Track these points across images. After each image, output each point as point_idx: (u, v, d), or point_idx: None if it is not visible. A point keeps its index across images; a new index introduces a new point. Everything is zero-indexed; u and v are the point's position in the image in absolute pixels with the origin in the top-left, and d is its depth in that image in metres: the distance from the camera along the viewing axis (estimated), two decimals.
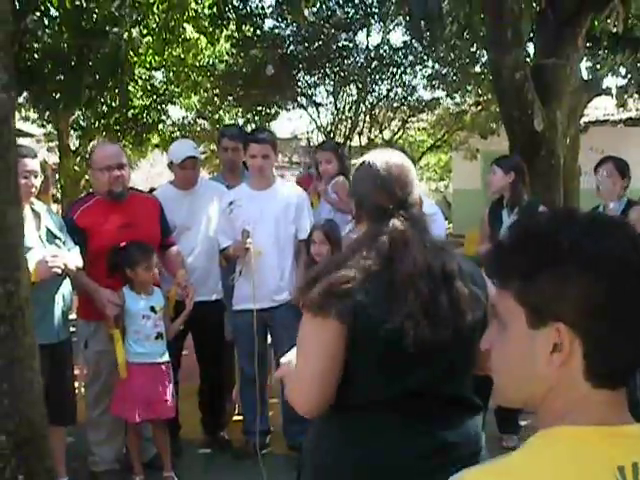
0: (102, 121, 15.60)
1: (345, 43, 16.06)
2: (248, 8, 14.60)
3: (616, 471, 1.13)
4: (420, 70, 16.85)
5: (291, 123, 29.74)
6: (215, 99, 17.84)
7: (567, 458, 1.14)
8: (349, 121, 17.94)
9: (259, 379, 5.12)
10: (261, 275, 5.05)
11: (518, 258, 1.23)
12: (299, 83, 17.01)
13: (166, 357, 4.83)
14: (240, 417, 5.70)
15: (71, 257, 4.43)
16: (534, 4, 8.11)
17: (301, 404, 2.24)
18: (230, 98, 17.35)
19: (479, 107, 17.37)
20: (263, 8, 15.05)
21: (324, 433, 2.32)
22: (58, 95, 11.98)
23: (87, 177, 15.59)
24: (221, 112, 18.83)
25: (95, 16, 11.39)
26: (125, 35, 11.13)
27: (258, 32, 15.29)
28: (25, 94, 12.78)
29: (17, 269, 3.02)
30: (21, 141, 3.65)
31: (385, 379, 2.19)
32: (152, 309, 4.77)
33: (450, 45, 12.83)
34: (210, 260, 5.50)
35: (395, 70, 16.65)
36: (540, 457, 1.16)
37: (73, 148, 16.68)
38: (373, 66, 16.26)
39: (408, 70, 16.73)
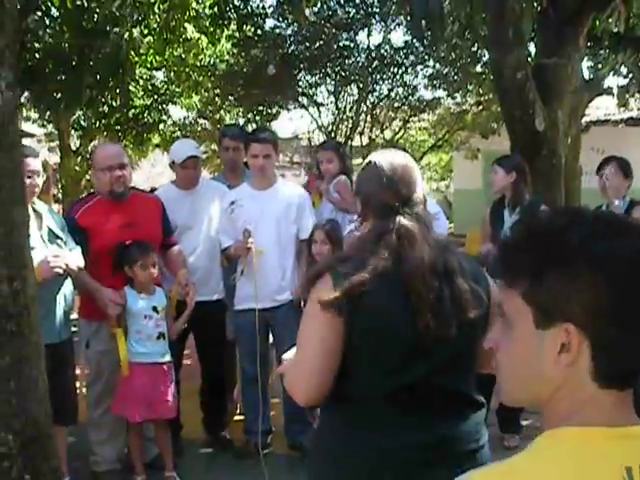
0: (103, 121, 15.60)
1: (346, 43, 16.05)
2: (249, 8, 14.60)
3: (624, 472, 1.12)
4: (421, 70, 16.84)
5: (292, 123, 29.70)
6: (216, 99, 17.82)
7: (574, 459, 1.13)
8: (350, 121, 17.91)
9: (261, 379, 5.11)
10: (263, 275, 5.04)
11: (526, 257, 1.21)
12: (300, 83, 17.00)
13: (168, 357, 4.83)
14: (241, 417, 5.70)
15: (72, 257, 4.43)
16: (535, 3, 8.09)
17: (299, 394, 2.30)
18: (231, 98, 17.34)
19: (480, 107, 17.36)
20: (264, 8, 15.06)
21: (326, 426, 2.40)
22: (59, 95, 11.98)
23: (88, 177, 15.60)
24: (222, 112, 18.81)
25: (96, 16, 11.40)
26: (126, 35, 11.14)
27: (259, 32, 15.28)
28: (26, 94, 12.78)
29: (23, 267, 3.02)
30: (22, 141, 3.64)
31: (386, 373, 2.23)
32: (154, 309, 4.77)
33: (451, 45, 12.82)
34: (212, 260, 5.49)
35: (396, 70, 16.63)
36: (546, 458, 1.15)
37: (74, 148, 16.67)
38: (374, 66, 16.24)
39: (409, 70, 16.71)
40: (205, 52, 15.16)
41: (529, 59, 8.15)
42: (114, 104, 14.85)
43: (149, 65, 15.13)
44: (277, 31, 15.64)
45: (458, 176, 23.90)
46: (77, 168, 16.19)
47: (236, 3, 14.16)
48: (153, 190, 6.32)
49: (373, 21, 15.93)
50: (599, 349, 1.16)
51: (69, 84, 11.54)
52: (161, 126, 17.30)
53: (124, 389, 4.73)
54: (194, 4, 13.31)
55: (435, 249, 2.27)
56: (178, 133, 18.18)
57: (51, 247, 4.37)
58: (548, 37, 7.77)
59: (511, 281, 1.24)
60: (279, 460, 5.25)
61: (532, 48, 9.24)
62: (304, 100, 17.79)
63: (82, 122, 16.26)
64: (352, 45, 16.15)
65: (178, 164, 5.42)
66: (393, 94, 17.32)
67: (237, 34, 15.05)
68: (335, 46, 15.76)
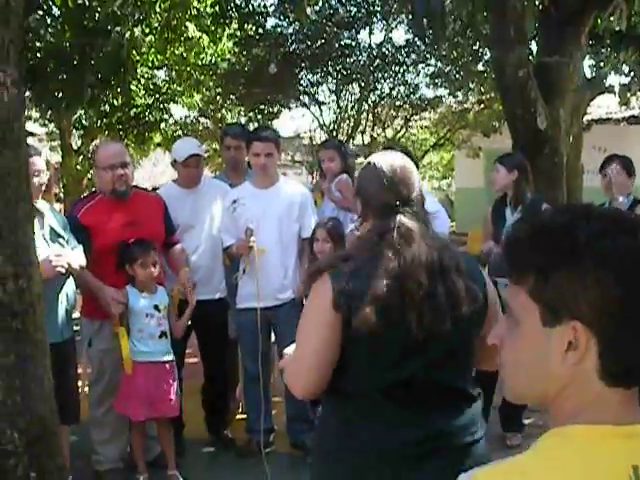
0: (104, 120, 15.60)
1: (348, 41, 16.05)
2: (250, 7, 14.60)
3: (630, 470, 1.11)
4: (423, 68, 16.85)
5: (294, 122, 29.75)
6: (217, 98, 17.83)
7: (580, 457, 1.13)
8: (352, 119, 17.92)
9: (262, 377, 5.11)
10: (265, 273, 5.04)
11: (533, 254, 1.20)
12: (302, 81, 16.99)
13: (170, 356, 4.83)
14: (244, 415, 5.70)
15: (75, 256, 4.43)
16: (537, 2, 8.10)
17: (298, 388, 2.40)
18: (232, 97, 17.33)
19: (482, 105, 17.35)
20: (265, 6, 15.06)
21: (327, 418, 2.49)
22: (60, 94, 11.96)
23: (89, 176, 15.62)
24: (223, 111, 18.81)
25: (97, 15, 11.38)
26: (127, 34, 11.10)
27: (260, 31, 15.29)
28: (27, 93, 12.78)
29: (29, 265, 3.01)
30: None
31: (382, 369, 2.31)
32: (156, 308, 4.77)
33: (453, 43, 12.82)
34: (214, 258, 5.49)
35: (398, 68, 16.63)
36: (552, 456, 1.15)
37: (75, 147, 16.68)
38: (376, 64, 16.24)
39: (411, 68, 16.72)
40: (206, 51, 15.13)
41: (531, 57, 8.14)
42: (115, 103, 14.85)
43: (150, 64, 15.12)
44: (278, 30, 15.64)
45: (460, 175, 23.90)
46: (78, 167, 16.19)
47: (237, 2, 14.17)
48: (155, 189, 6.32)
49: (375, 20, 15.95)
50: (606, 347, 1.15)
51: (70, 83, 11.53)
52: (162, 125, 17.29)
53: (126, 388, 4.73)
54: (195, 3, 13.29)
55: (432, 247, 2.33)
56: (179, 132, 18.17)
57: (53, 246, 4.37)
58: (550, 35, 7.77)
59: (517, 278, 1.23)
60: (281, 459, 5.26)
61: (534, 46, 9.23)
62: (305, 99, 17.79)
63: (83, 121, 16.25)
64: (354, 44, 16.16)
65: (180, 162, 5.42)
66: (395, 93, 17.32)
67: (238, 33, 15.05)
68: (336, 45, 15.76)
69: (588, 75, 12.83)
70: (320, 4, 14.97)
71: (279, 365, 2.66)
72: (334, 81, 17.12)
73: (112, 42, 10.75)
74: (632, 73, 12.35)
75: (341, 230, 5.03)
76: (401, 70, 16.70)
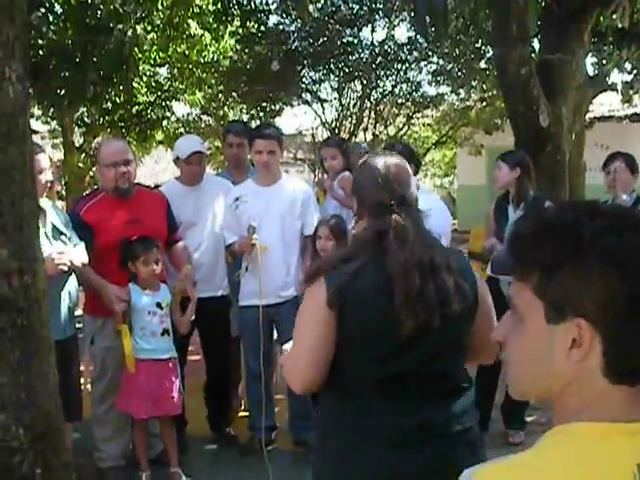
0: (106, 117, 15.57)
1: (350, 39, 16.03)
2: (252, 4, 14.56)
3: (635, 468, 1.11)
4: (425, 66, 16.82)
5: (296, 119, 29.60)
6: (220, 95, 17.80)
7: (584, 455, 1.13)
8: (354, 117, 17.90)
9: (264, 375, 5.11)
10: (267, 271, 5.05)
11: (537, 250, 1.20)
12: (304, 79, 16.98)
13: (172, 353, 4.83)
14: (246, 413, 5.70)
15: (77, 253, 4.43)
16: None
17: (296, 384, 2.50)
18: (235, 94, 17.32)
19: (484, 103, 17.33)
20: (268, 4, 15.02)
21: (324, 411, 2.62)
22: (62, 91, 11.95)
23: (91, 174, 15.60)
24: (226, 108, 18.79)
25: (100, 12, 11.36)
26: (130, 31, 11.09)
27: (262, 28, 15.26)
28: (29, 90, 12.74)
29: (34, 261, 3.01)
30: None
31: (376, 363, 2.40)
32: (158, 305, 4.77)
33: (455, 41, 12.84)
34: (216, 256, 5.49)
35: (400, 66, 16.61)
36: (556, 453, 1.15)
37: (77, 145, 16.66)
38: (378, 62, 16.23)
39: (413, 66, 16.70)
40: (208, 48, 15.11)
41: (533, 55, 8.13)
42: (118, 100, 14.82)
43: (152, 62, 15.10)
44: (281, 27, 15.63)
45: (462, 172, 23.88)
46: (80, 165, 16.17)
47: None
48: (157, 187, 6.33)
49: (377, 17, 15.93)
50: (610, 344, 1.15)
51: (72, 80, 11.51)
52: (164, 122, 17.26)
53: (129, 385, 4.73)
54: (197, 0, 13.29)
55: (425, 246, 2.42)
56: (182, 130, 18.15)
57: (55, 244, 4.37)
58: (552, 33, 7.76)
59: (522, 275, 1.23)
60: (284, 456, 5.26)
61: (536, 44, 9.22)
62: (308, 96, 17.77)
63: (85, 119, 16.23)
64: (356, 41, 16.14)
65: (183, 160, 5.42)
66: (397, 90, 17.30)
67: (241, 30, 15.01)
68: (339, 42, 15.74)
69: (591, 73, 12.81)
70: (322, 2, 14.95)
71: (280, 360, 2.75)
72: (336, 79, 17.10)
73: (114, 40, 10.74)
74: (635, 71, 12.35)
75: (344, 228, 5.03)
76: (403, 68, 16.68)
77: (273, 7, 15.12)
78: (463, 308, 2.40)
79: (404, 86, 17.21)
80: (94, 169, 13.57)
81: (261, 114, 17.79)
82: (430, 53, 16.05)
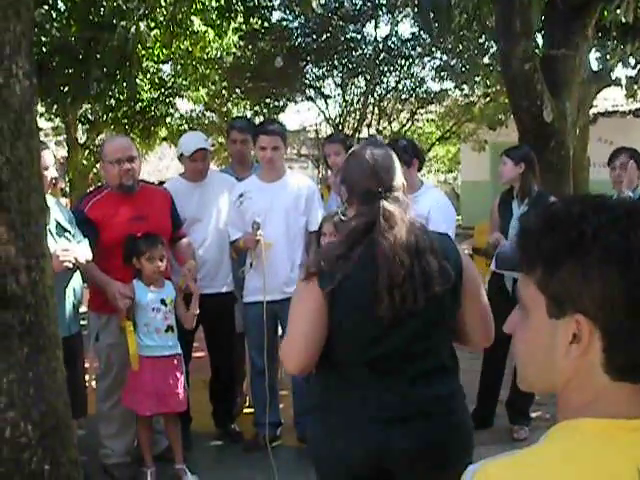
0: (110, 114, 15.57)
1: (353, 35, 16.05)
2: (256, 0, 14.57)
3: (638, 464, 1.11)
4: (428, 62, 16.84)
5: (299, 115, 29.69)
6: (223, 92, 17.80)
7: (587, 451, 1.13)
8: (357, 113, 17.91)
9: (269, 371, 5.11)
10: (271, 267, 5.04)
11: (541, 245, 1.20)
12: (307, 75, 17.00)
13: (177, 350, 4.83)
14: (251, 409, 5.71)
15: (81, 250, 4.43)
16: None
17: (291, 366, 2.63)
18: (238, 91, 17.34)
19: (488, 98, 17.31)
20: (271, 0, 15.03)
21: (315, 389, 2.77)
22: (66, 88, 11.97)
23: (95, 170, 15.61)
24: (229, 105, 18.81)
25: (103, 9, 11.38)
26: (133, 28, 11.08)
27: (266, 24, 15.27)
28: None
29: (42, 257, 3.00)
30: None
31: (365, 344, 2.54)
32: (162, 302, 4.77)
33: (458, 36, 12.79)
34: (221, 252, 5.49)
35: (403, 62, 16.62)
36: (561, 449, 1.15)
37: (81, 142, 16.66)
38: (381, 58, 16.24)
39: (416, 62, 16.71)
40: (212, 45, 15.08)
41: (537, 50, 8.12)
42: (121, 97, 14.82)
43: (156, 58, 15.08)
44: (284, 23, 15.65)
45: (466, 168, 23.88)
46: (84, 162, 16.18)
47: None
48: (161, 183, 6.33)
49: (380, 13, 15.93)
50: (610, 341, 1.14)
51: (76, 77, 11.53)
52: (168, 119, 17.25)
53: (133, 382, 4.73)
54: None
55: (410, 231, 2.55)
56: (185, 126, 18.15)
57: (60, 241, 4.36)
58: (556, 28, 7.75)
59: (527, 269, 1.23)
60: (288, 452, 5.26)
61: (540, 39, 9.20)
62: (311, 92, 17.79)
63: (89, 115, 16.24)
64: (359, 37, 16.16)
65: (187, 156, 5.42)
66: (400, 86, 17.32)
67: (244, 27, 15.00)
68: (342, 38, 15.76)
69: (594, 68, 12.77)
70: None
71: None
72: (340, 74, 17.11)
73: (118, 36, 10.73)
74: (639, 66, 12.30)
75: None
76: (407, 63, 16.69)
77: (276, 3, 15.15)
78: (446, 289, 2.51)
79: (408, 82, 17.23)
80: (98, 166, 13.60)
81: (265, 110, 17.81)
82: (434, 49, 16.05)
